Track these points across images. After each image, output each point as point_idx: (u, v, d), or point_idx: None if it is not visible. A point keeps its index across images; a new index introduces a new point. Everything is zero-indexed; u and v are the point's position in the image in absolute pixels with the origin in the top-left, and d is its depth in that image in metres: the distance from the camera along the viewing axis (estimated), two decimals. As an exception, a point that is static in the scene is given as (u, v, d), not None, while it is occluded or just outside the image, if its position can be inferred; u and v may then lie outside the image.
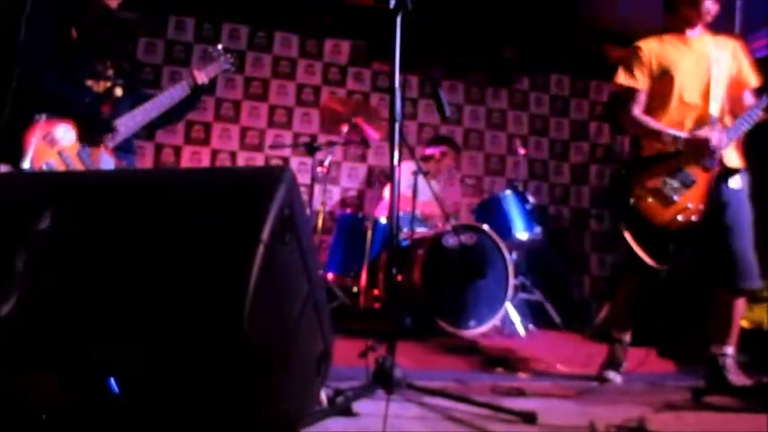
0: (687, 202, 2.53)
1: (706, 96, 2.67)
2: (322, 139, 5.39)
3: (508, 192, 4.52)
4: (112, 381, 1.18)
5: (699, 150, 2.56)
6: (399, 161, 2.17)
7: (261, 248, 1.16)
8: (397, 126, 2.14)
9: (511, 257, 4.10)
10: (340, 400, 1.87)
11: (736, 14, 2.67)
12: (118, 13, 2.70)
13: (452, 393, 2.18)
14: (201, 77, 2.82)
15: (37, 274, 1.27)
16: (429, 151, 5.07)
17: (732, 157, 2.66)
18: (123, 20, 2.83)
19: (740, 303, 2.66)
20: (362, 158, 5.89)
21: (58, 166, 2.27)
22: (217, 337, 1.14)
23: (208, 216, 1.25)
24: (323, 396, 1.83)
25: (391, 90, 2.18)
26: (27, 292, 1.25)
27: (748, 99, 2.72)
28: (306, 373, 1.51)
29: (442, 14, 5.21)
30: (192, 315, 1.17)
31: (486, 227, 4.09)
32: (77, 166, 2.34)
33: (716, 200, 2.57)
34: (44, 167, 2.22)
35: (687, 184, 2.55)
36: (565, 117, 6.44)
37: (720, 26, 2.81)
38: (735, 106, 2.74)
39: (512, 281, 4.02)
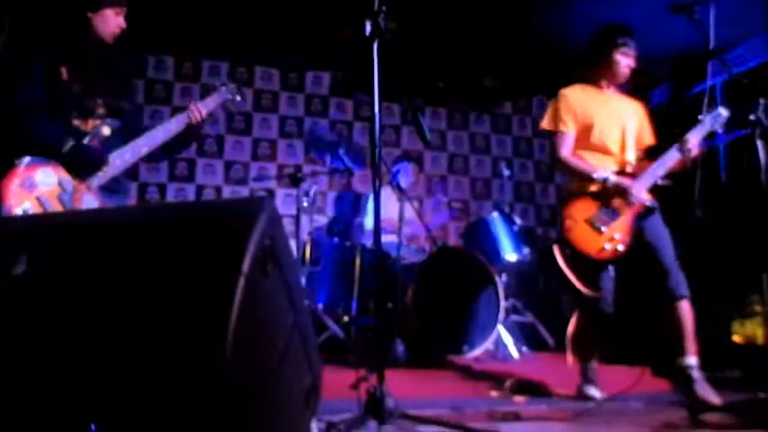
0: (614, 233, 2.74)
1: (623, 145, 2.95)
2: (306, 169, 5.39)
3: (495, 214, 4.52)
4: (93, 427, 1.14)
5: (623, 194, 2.79)
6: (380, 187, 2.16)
7: (242, 281, 1.14)
8: (377, 152, 2.13)
9: (501, 280, 4.08)
10: (332, 433, 1.83)
11: (710, 31, 2.71)
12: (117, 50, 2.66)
13: (447, 421, 2.13)
14: (199, 110, 2.73)
15: (14, 319, 1.24)
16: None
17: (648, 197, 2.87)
18: (123, 54, 2.77)
19: (686, 312, 2.73)
20: (348, 186, 5.88)
21: (36, 210, 2.23)
22: (198, 376, 1.10)
23: (187, 251, 1.22)
24: (315, 430, 1.78)
25: (372, 117, 2.18)
26: (2, 338, 1.21)
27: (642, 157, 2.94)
28: (294, 407, 1.47)
29: (420, 41, 5.25)
30: (171, 354, 1.13)
31: (474, 250, 4.08)
32: (57, 209, 2.30)
33: (640, 231, 2.78)
34: (20, 213, 2.18)
35: (614, 217, 2.78)
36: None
37: (694, 43, 2.87)
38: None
39: (503, 303, 4.00)
